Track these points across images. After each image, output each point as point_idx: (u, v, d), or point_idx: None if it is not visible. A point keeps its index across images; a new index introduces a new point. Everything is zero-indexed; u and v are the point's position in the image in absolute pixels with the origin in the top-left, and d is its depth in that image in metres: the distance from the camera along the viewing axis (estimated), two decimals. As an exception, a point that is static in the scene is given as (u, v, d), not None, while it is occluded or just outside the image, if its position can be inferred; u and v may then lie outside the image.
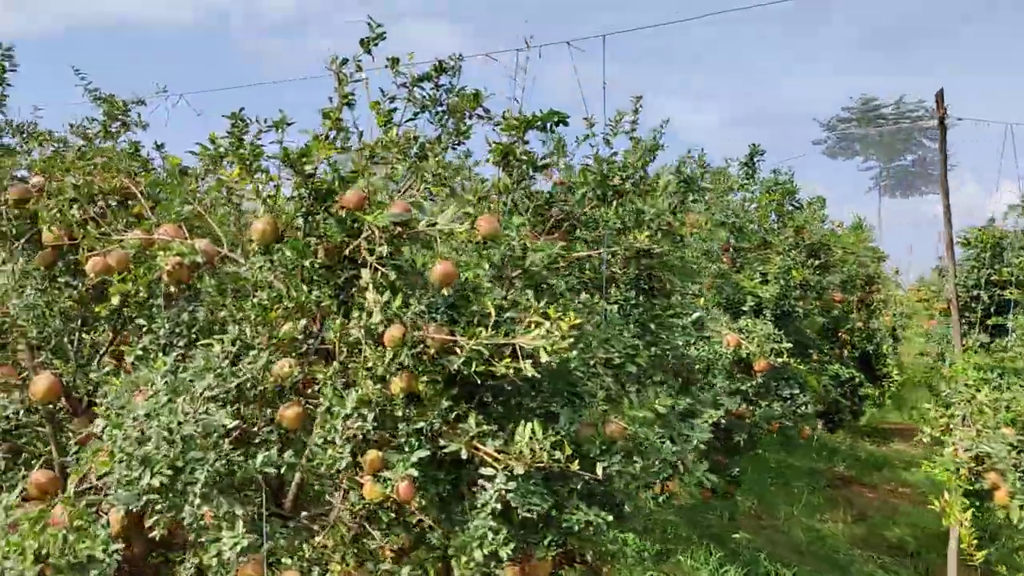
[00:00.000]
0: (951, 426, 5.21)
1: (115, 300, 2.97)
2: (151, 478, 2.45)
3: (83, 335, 4.04)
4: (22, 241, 3.84)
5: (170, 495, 2.48)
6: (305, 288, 2.83)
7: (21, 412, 3.53)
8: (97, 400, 3.42)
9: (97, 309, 3.13)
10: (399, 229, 2.52)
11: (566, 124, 3.01)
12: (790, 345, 5.41)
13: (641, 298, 3.23)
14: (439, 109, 3.37)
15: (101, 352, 4.14)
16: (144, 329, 3.39)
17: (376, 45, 2.87)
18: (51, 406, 3.65)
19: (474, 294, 2.60)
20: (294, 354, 3.05)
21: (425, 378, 2.81)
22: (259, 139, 2.88)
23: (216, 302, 3.38)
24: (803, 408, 6.10)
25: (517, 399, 3.14)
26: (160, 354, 3.32)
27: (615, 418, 2.90)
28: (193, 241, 3.06)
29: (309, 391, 3.16)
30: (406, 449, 2.72)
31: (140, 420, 2.52)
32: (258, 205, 2.89)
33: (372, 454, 2.90)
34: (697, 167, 3.13)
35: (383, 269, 2.54)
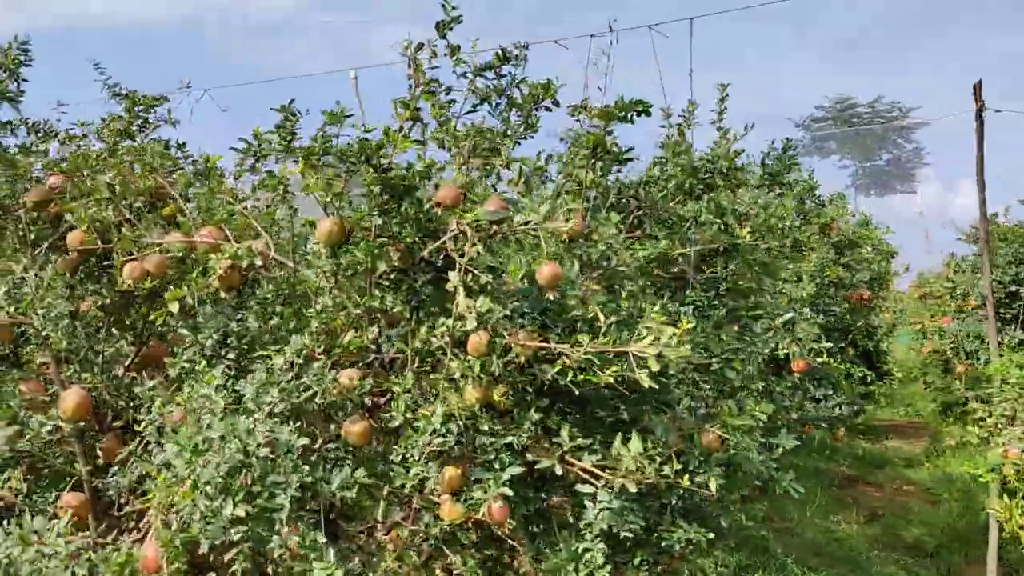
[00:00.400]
0: (999, 426, 5.10)
1: (173, 308, 2.72)
2: (234, 508, 2.21)
3: (106, 346, 3.78)
4: (44, 246, 3.58)
5: (251, 524, 2.24)
6: (378, 293, 2.61)
7: (49, 430, 3.26)
8: (139, 417, 3.17)
9: (153, 316, 2.87)
10: (495, 228, 2.31)
11: (648, 114, 2.81)
12: (830, 345, 5.27)
13: (720, 299, 3.04)
14: (499, 101, 3.16)
15: (126, 364, 3.88)
16: (188, 340, 3.15)
17: (451, 29, 2.65)
18: (80, 423, 3.38)
19: (576, 299, 2.39)
20: (360, 364, 2.83)
21: (503, 388, 2.61)
22: (325, 131, 2.65)
23: (266, 310, 3.14)
24: (837, 409, 5.96)
25: (591, 409, 2.94)
26: (206, 366, 3.08)
27: (711, 427, 2.71)
28: (248, 243, 2.82)
29: (372, 403, 2.95)
30: (496, 466, 2.50)
31: (216, 443, 2.28)
32: (322, 203, 2.66)
33: (451, 471, 2.68)
34: (780, 160, 2.95)
35: (475, 272, 2.33)
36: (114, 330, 3.79)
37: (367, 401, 2.90)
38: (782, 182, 3.02)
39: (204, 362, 3.11)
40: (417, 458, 2.58)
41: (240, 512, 2.25)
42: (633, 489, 2.32)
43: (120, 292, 3.62)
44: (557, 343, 2.42)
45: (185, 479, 2.29)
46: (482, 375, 2.42)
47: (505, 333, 2.48)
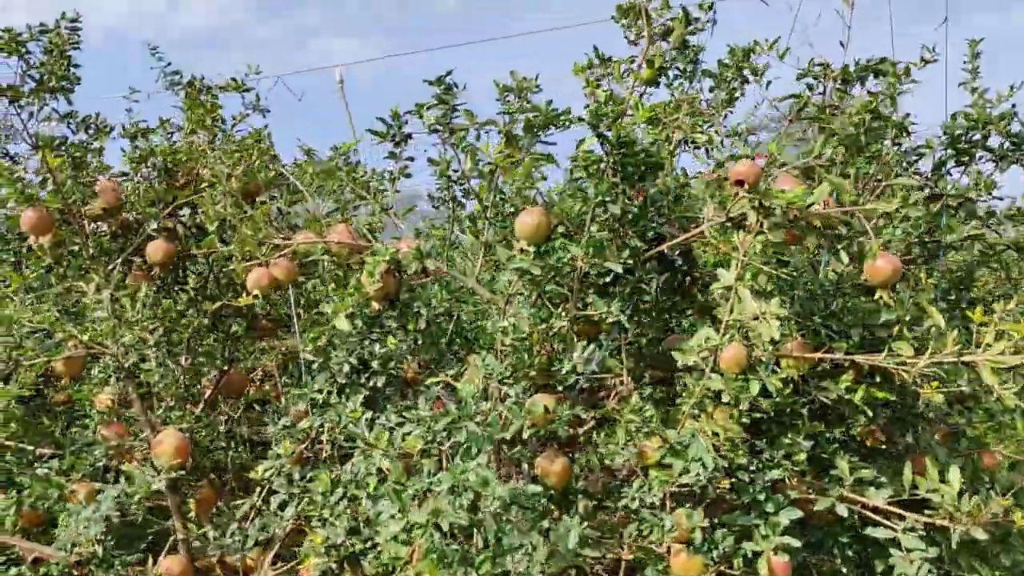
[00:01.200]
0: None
1: (341, 323, 2.17)
2: (477, 580, 1.70)
3: (187, 378, 3.20)
4: (119, 261, 2.99)
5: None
6: (599, 300, 2.11)
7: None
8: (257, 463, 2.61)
9: (310, 338, 2.32)
10: (795, 213, 1.82)
11: (884, 75, 2.37)
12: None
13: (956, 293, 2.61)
14: (677, 69, 2.70)
15: (206, 397, 3.30)
16: (317, 365, 2.59)
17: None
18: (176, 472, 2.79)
19: (895, 299, 1.92)
20: (557, 388, 2.32)
21: (727, 410, 2.12)
22: (521, 103, 2.15)
23: (413, 326, 2.61)
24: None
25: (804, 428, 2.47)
26: (342, 397, 2.55)
27: (994, 448, 2.26)
28: (415, 242, 2.30)
29: (568, 436, 2.44)
30: (768, 508, 2.01)
31: (444, 496, 1.76)
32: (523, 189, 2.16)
33: (682, 515, 2.19)
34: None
35: (763, 268, 1.83)
36: (172, 360, 3.19)
37: (562, 433, 2.40)
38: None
39: (338, 392, 2.58)
40: (658, 502, 2.08)
41: (482, 585, 1.74)
42: (982, 536, 1.85)
43: (214, 310, 3.05)
44: (847, 354, 1.95)
45: (407, 543, 1.76)
46: (759, 397, 1.93)
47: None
